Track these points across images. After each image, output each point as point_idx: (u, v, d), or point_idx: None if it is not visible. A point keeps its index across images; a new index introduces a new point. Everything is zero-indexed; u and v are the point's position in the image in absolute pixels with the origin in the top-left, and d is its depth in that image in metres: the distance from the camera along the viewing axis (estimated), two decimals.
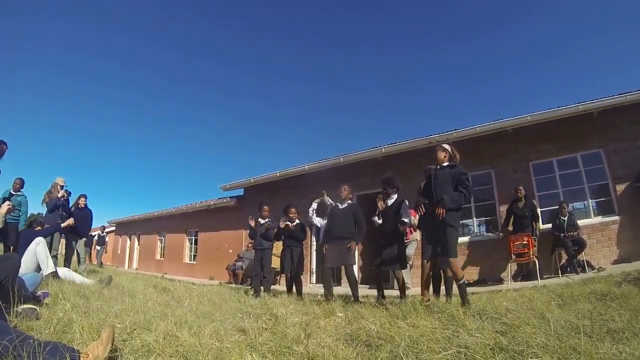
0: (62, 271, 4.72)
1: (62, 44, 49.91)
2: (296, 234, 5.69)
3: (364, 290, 7.04)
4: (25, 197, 6.66)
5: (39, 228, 5.23)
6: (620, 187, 6.50)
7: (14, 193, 6.43)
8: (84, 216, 7.45)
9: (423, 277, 3.80)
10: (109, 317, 2.73)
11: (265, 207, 6.21)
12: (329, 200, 5.64)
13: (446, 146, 3.98)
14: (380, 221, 4.82)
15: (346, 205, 5.02)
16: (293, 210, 5.80)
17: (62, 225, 5.44)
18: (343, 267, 4.96)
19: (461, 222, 7.84)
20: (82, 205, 7.43)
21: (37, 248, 4.40)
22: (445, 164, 3.86)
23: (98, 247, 15.29)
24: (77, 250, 7.38)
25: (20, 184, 6.53)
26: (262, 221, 6.03)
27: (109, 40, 51.82)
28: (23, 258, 3.71)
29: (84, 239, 7.51)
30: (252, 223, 6.06)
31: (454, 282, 3.69)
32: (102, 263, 15.22)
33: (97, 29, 50.50)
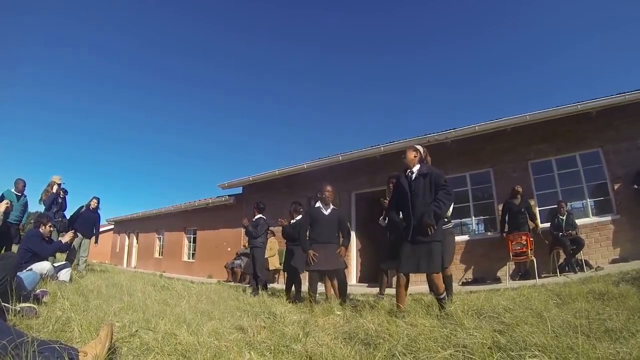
0: (45, 266, 4.63)
1: (62, 42, 49.75)
2: (289, 232, 5.70)
3: (362, 289, 7.05)
4: (26, 196, 6.70)
5: (50, 225, 5.09)
6: (619, 187, 6.51)
7: (18, 194, 6.44)
8: (93, 218, 7.51)
9: (398, 291, 3.38)
10: (108, 315, 2.74)
11: (254, 210, 6.46)
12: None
13: (418, 147, 3.67)
14: (385, 222, 4.81)
15: (331, 211, 4.66)
16: (291, 209, 5.85)
17: (63, 241, 5.38)
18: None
19: (460, 220, 7.90)
20: (94, 207, 7.46)
21: (44, 278, 4.39)
22: (416, 167, 3.47)
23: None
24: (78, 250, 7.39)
25: (23, 185, 6.53)
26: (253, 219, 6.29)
27: (109, 39, 51.67)
28: (26, 275, 3.61)
29: (92, 239, 7.53)
30: (246, 223, 6.33)
31: (434, 295, 3.41)
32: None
33: (97, 27, 50.37)
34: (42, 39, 49.26)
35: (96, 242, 7.59)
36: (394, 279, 5.61)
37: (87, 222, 7.33)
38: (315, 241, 4.53)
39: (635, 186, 6.20)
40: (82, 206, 7.44)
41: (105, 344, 1.77)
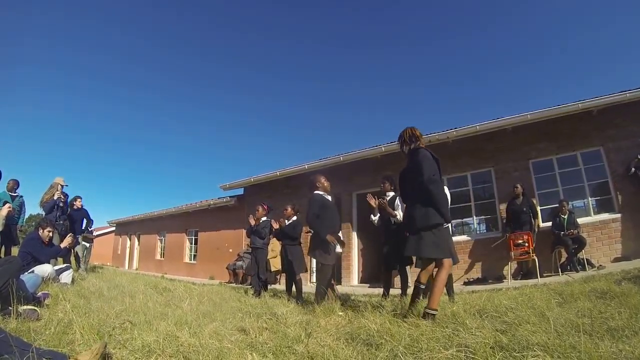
0: (47, 269, 4.64)
1: (63, 41, 49.88)
2: (288, 232, 5.70)
3: (363, 289, 7.06)
4: (22, 197, 6.67)
5: (49, 229, 5.09)
6: (620, 185, 6.49)
7: (13, 195, 6.41)
8: (81, 216, 7.54)
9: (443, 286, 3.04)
10: (110, 317, 2.74)
11: (259, 208, 6.48)
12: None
13: None
14: (376, 219, 4.83)
15: (332, 198, 4.77)
16: (288, 208, 5.84)
17: (62, 245, 5.39)
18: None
19: (461, 220, 7.89)
20: (79, 207, 7.47)
21: (45, 279, 4.40)
22: None
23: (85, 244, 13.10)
24: (76, 252, 7.40)
25: (14, 185, 6.50)
26: (260, 220, 6.32)
27: (110, 37, 51.79)
28: (28, 277, 3.64)
29: (84, 235, 7.53)
30: (252, 222, 6.31)
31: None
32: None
33: (97, 25, 50.49)
34: (43, 38, 49.45)
35: (88, 232, 7.58)
36: (395, 279, 5.62)
37: (76, 222, 7.36)
38: (333, 232, 4.48)
39: (633, 169, 6.21)
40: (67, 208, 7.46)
41: (96, 355, 1.78)
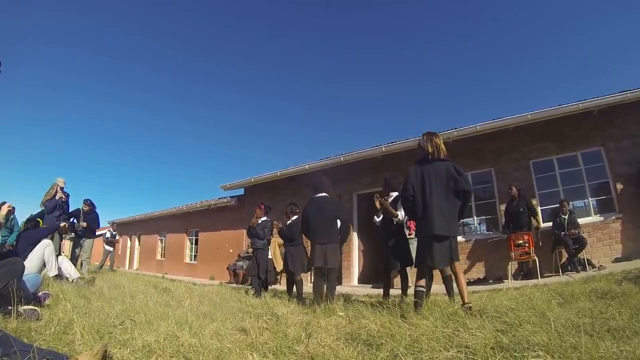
0: (60, 259, 4.67)
1: (64, 40, 49.86)
2: (285, 233, 5.70)
3: (364, 289, 7.05)
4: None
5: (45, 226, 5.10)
6: (621, 186, 6.49)
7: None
8: (92, 219, 7.70)
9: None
10: (110, 317, 2.74)
11: (257, 209, 6.55)
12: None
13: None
14: (379, 220, 4.81)
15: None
16: (287, 210, 5.84)
17: (61, 224, 5.39)
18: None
19: (462, 220, 7.86)
20: (84, 210, 7.54)
21: (45, 250, 4.38)
22: None
23: (108, 248, 12.56)
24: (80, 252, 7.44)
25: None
26: (259, 221, 6.37)
27: (111, 37, 51.74)
28: (30, 258, 3.69)
29: (92, 238, 7.66)
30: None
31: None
32: (112, 266, 12.62)
33: (98, 25, 50.45)
34: (45, 37, 49.47)
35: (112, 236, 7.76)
36: (396, 280, 5.61)
37: (89, 226, 7.42)
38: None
39: None
40: (79, 209, 7.51)
41: (97, 357, 1.79)
